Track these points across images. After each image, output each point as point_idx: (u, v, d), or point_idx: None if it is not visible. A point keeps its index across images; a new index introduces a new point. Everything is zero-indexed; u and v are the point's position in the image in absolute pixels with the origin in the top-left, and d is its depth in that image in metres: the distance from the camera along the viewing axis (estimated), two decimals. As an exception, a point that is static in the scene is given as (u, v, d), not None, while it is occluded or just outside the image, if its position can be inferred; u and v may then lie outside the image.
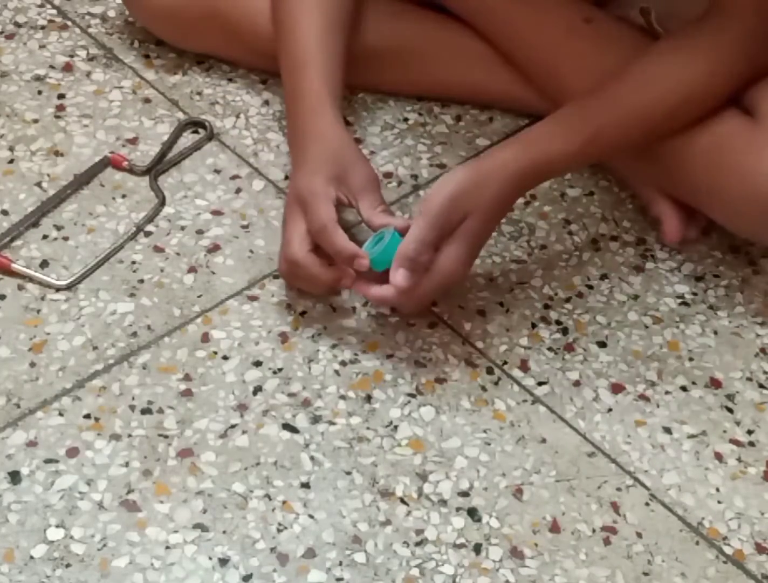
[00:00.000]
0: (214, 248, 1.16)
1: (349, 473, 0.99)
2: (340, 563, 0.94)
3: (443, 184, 1.03)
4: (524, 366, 1.08)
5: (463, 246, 1.03)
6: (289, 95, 1.15)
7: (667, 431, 1.04)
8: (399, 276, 1.02)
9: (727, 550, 0.97)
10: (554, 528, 0.97)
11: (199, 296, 1.12)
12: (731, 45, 1.07)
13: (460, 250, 1.03)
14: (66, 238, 1.16)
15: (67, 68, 1.33)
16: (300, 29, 1.16)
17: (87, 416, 1.02)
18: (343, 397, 1.05)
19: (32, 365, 1.05)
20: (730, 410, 1.06)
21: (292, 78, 1.15)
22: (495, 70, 1.25)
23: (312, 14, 1.16)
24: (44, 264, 1.13)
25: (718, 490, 1.00)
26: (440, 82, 1.29)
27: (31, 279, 1.12)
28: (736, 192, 1.07)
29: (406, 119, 1.30)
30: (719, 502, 1.00)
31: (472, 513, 0.98)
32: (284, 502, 0.97)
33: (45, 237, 1.16)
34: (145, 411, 1.03)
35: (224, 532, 0.95)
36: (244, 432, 1.01)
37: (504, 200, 1.05)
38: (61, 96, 1.30)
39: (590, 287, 1.15)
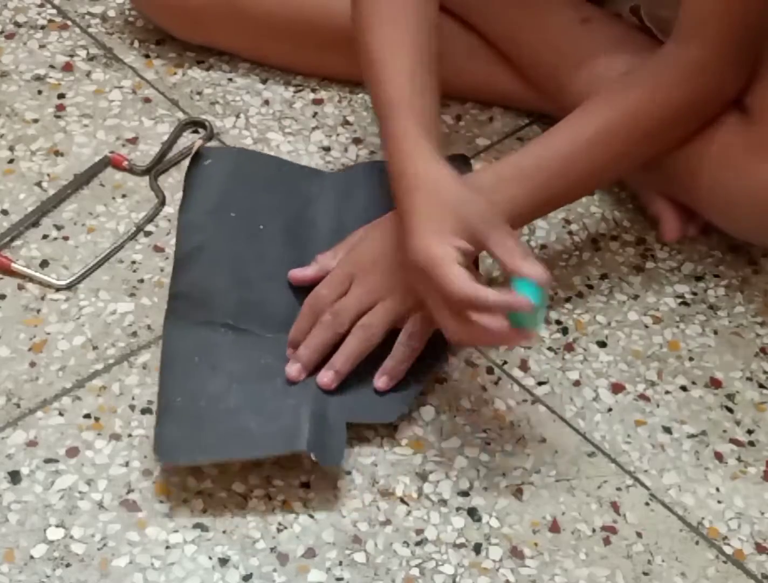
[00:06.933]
0: (214, 248, 1.16)
1: (349, 473, 0.99)
2: (340, 563, 0.94)
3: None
4: (524, 366, 1.08)
5: None
6: (384, 139, 1.04)
7: (667, 430, 1.04)
8: None
9: (727, 550, 0.97)
10: (554, 528, 0.97)
11: (199, 296, 1.11)
12: (671, 73, 1.06)
13: None
14: (66, 238, 1.16)
15: (67, 68, 1.33)
16: (392, 66, 1.04)
17: (87, 416, 1.02)
18: (343, 397, 1.05)
19: (32, 364, 1.05)
20: (730, 410, 1.06)
21: (385, 121, 1.03)
22: (493, 63, 1.25)
23: (403, 48, 1.04)
24: (44, 264, 1.13)
25: (718, 490, 1.00)
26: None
27: (31, 279, 1.12)
28: (733, 195, 1.07)
29: (406, 119, 1.30)
30: (719, 502, 1.00)
31: (472, 513, 0.98)
32: (284, 502, 0.97)
33: (45, 237, 1.16)
34: (145, 411, 1.02)
35: (224, 532, 0.95)
36: (244, 432, 1.01)
37: None
38: (61, 96, 1.29)
39: (590, 287, 1.15)
